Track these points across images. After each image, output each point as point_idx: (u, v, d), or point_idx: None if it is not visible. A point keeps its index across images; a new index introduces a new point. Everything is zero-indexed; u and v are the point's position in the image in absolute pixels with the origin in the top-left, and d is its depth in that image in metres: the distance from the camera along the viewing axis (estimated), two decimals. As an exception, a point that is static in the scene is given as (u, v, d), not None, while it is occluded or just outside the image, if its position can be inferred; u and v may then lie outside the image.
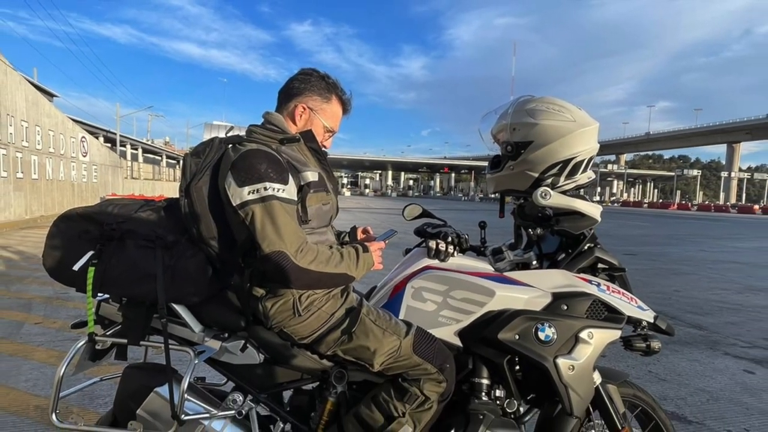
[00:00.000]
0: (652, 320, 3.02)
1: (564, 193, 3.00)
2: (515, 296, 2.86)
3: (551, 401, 2.93)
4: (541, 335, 2.79)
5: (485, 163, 3.34)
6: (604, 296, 2.90)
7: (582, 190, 3.10)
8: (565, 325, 2.83)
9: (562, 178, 2.98)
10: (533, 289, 2.90)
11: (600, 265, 3.07)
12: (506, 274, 2.96)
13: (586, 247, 3.05)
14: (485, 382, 2.91)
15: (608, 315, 2.90)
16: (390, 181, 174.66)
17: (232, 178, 2.38)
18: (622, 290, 3.01)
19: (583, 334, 2.84)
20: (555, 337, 2.80)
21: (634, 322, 3.02)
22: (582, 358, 2.81)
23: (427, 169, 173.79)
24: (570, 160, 2.95)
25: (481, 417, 2.78)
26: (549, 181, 2.98)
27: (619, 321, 2.92)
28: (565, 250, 3.11)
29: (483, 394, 2.89)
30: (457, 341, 2.87)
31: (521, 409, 2.96)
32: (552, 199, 2.94)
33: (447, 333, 2.85)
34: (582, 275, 2.98)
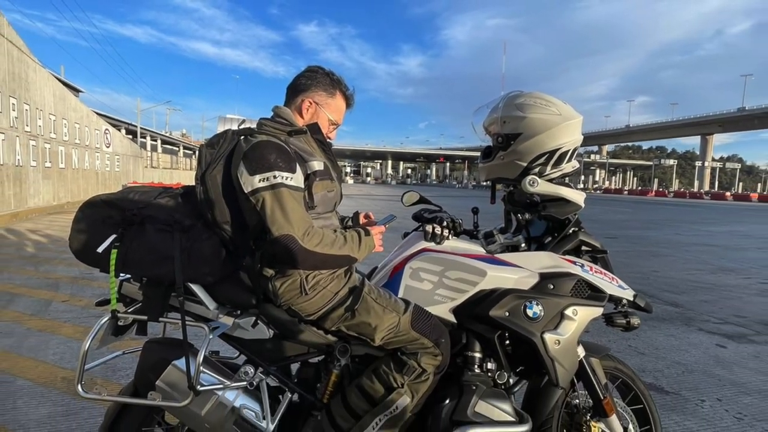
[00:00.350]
0: (631, 298, 3.02)
1: (550, 181, 2.99)
2: (505, 276, 2.86)
3: (538, 373, 2.93)
4: (529, 312, 2.80)
5: (478, 154, 3.33)
6: (587, 276, 2.90)
7: (567, 178, 3.10)
8: (551, 303, 2.83)
9: (548, 167, 2.97)
10: (522, 269, 2.90)
11: (584, 248, 3.07)
12: (497, 255, 2.95)
13: (570, 231, 3.05)
14: (478, 355, 2.91)
15: (591, 293, 2.91)
16: (390, 170, 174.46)
17: (244, 167, 2.38)
18: (604, 271, 3.02)
19: (568, 311, 2.84)
20: (542, 313, 2.80)
21: (615, 300, 3.02)
22: (567, 334, 2.82)
23: (424, 159, 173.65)
24: (556, 150, 2.95)
25: (474, 388, 2.79)
26: (536, 170, 2.97)
27: (601, 299, 2.92)
28: (551, 233, 3.11)
29: (476, 366, 2.89)
30: (451, 318, 2.87)
31: (511, 381, 2.96)
32: (539, 186, 2.94)
33: (442, 310, 2.85)
34: (567, 257, 2.98)
